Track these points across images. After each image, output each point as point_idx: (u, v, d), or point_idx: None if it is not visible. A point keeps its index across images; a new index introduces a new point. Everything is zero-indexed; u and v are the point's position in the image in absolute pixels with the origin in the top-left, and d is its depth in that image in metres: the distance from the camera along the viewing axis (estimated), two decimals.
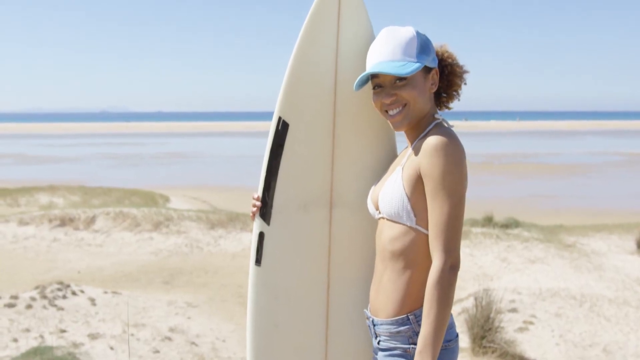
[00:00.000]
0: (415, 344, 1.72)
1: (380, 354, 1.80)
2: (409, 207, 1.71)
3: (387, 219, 1.77)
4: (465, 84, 1.86)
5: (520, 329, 7.32)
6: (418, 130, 1.81)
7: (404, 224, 1.73)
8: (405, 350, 1.74)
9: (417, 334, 1.72)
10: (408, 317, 1.73)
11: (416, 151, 1.74)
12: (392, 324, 1.75)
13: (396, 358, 1.75)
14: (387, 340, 1.77)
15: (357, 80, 1.81)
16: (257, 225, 1.96)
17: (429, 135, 1.72)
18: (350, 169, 2.00)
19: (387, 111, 1.80)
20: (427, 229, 1.72)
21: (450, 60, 1.84)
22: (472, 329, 6.66)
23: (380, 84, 1.80)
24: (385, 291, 1.78)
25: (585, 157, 33.80)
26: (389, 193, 1.75)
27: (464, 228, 12.18)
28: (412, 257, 1.74)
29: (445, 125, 1.79)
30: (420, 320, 1.72)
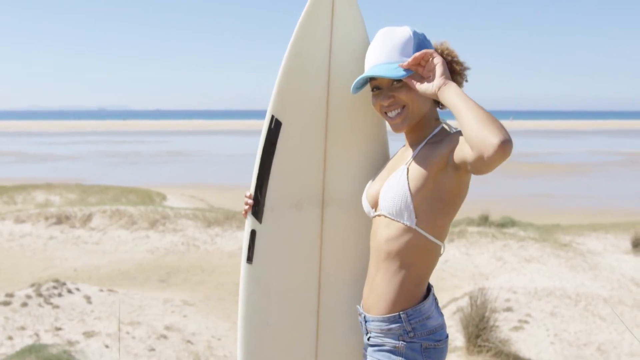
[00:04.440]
0: (405, 341, 1.74)
1: (370, 349, 1.82)
2: (411, 206, 1.72)
3: (386, 217, 1.77)
4: (466, 81, 1.82)
5: (515, 328, 7.33)
6: (420, 131, 1.81)
7: (403, 224, 1.73)
8: (394, 346, 1.76)
9: (407, 332, 1.74)
10: (400, 315, 1.74)
11: (427, 152, 1.74)
12: (383, 321, 1.76)
13: (385, 353, 1.77)
14: (378, 336, 1.79)
15: (354, 84, 1.81)
16: (249, 223, 1.97)
17: (443, 139, 1.74)
18: (343, 167, 2.00)
19: (386, 113, 1.80)
20: (426, 231, 1.73)
21: (450, 57, 1.80)
22: (467, 327, 6.67)
23: (378, 86, 1.80)
24: (378, 290, 1.79)
25: (582, 157, 33.85)
26: (392, 190, 1.75)
27: (459, 227, 12.20)
28: (408, 257, 1.75)
29: (447, 128, 1.80)
30: (411, 319, 1.74)
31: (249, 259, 1.97)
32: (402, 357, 1.74)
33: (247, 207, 1.98)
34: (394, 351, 1.75)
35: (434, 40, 1.84)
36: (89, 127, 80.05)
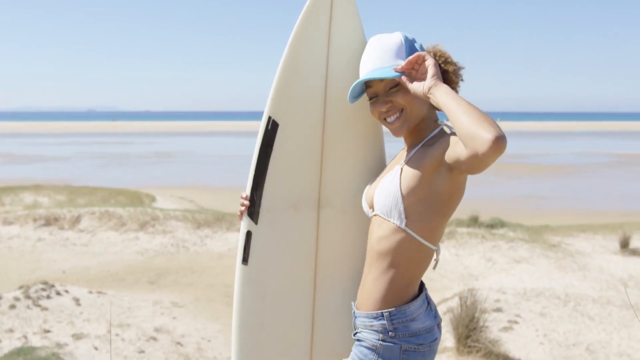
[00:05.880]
0: (384, 340, 1.75)
1: (354, 344, 1.85)
2: (401, 207, 1.72)
3: (379, 216, 1.79)
4: (462, 80, 1.84)
5: (505, 329, 7.37)
6: (419, 133, 1.82)
7: (393, 223, 1.74)
8: (372, 345, 1.76)
9: (388, 331, 1.75)
10: (382, 313, 1.75)
11: (422, 154, 1.75)
12: (367, 316, 1.78)
13: (362, 349, 1.78)
14: (361, 331, 1.81)
15: (350, 91, 1.82)
16: (245, 224, 1.97)
17: (442, 139, 1.73)
18: (339, 170, 2.00)
19: (385, 119, 1.81)
20: (416, 233, 1.73)
21: (442, 59, 1.82)
22: (457, 328, 6.70)
23: (375, 93, 1.81)
24: (368, 288, 1.81)
25: (572, 158, 34.08)
26: (385, 191, 1.76)
27: (449, 228, 12.25)
28: (397, 257, 1.75)
29: (448, 131, 1.80)
30: (394, 319, 1.74)
31: (245, 260, 1.96)
32: (377, 356, 1.75)
33: (242, 208, 1.98)
34: (370, 349, 1.76)
35: (427, 43, 1.86)
36: (78, 128, 79.56)
